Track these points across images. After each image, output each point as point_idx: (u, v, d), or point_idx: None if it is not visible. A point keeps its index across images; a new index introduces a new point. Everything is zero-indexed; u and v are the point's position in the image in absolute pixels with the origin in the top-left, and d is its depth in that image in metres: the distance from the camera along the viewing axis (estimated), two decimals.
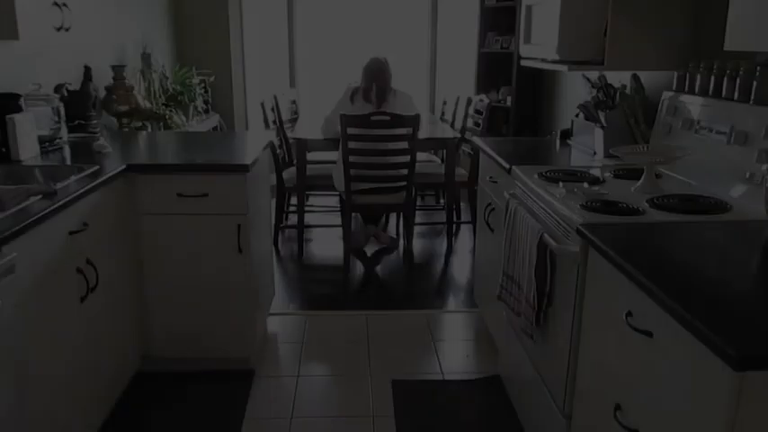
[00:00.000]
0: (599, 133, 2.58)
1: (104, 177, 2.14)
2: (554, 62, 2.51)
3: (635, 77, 2.54)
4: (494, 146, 2.83)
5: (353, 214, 3.97)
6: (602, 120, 2.54)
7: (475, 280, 3.25)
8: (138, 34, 4.02)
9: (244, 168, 2.38)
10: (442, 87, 5.90)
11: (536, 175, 2.21)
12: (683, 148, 2.02)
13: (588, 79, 2.76)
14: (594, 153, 2.65)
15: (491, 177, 2.74)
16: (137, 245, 2.44)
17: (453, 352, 2.93)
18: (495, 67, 5.24)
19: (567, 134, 2.97)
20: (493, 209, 2.72)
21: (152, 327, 2.54)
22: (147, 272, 2.48)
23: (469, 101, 4.51)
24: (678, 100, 2.28)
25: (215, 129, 4.89)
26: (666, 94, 2.36)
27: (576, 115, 2.91)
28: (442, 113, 5.02)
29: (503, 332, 2.54)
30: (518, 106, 4.98)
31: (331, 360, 2.84)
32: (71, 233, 1.91)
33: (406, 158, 3.61)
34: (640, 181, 2.02)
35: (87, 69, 3.02)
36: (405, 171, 3.65)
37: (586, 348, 1.68)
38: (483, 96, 4.42)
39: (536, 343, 2.02)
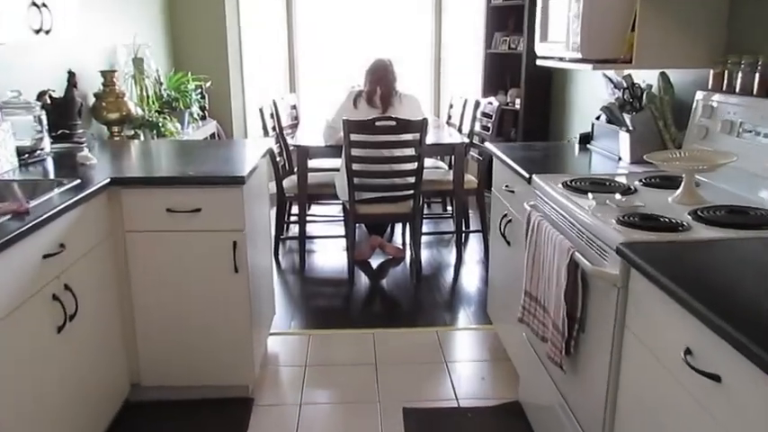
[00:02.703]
0: (624, 137, 2.37)
1: (85, 193, 1.95)
2: (575, 61, 2.31)
3: (663, 76, 2.34)
4: (508, 152, 2.63)
5: (357, 225, 3.77)
6: (628, 123, 2.34)
7: (488, 294, 3.05)
8: (130, 38, 3.82)
9: (239, 181, 2.18)
10: (446, 90, 5.70)
11: (560, 185, 2.01)
12: (727, 154, 1.81)
13: (610, 79, 2.56)
14: (620, 159, 2.45)
15: (507, 186, 2.54)
16: (122, 265, 2.24)
17: (468, 374, 2.72)
18: (503, 69, 5.05)
19: (587, 138, 2.77)
20: (510, 220, 2.51)
21: (141, 353, 2.34)
22: (135, 294, 2.28)
23: (477, 104, 4.31)
24: (715, 100, 2.08)
25: (212, 136, 4.70)
26: (700, 94, 2.15)
27: (597, 118, 2.70)
28: (449, 117, 4.81)
29: (523, 355, 2.33)
30: (528, 109, 4.78)
31: (336, 385, 2.63)
32: (46, 256, 1.71)
33: (414, 166, 3.41)
34: (679, 191, 1.81)
35: (71, 75, 2.82)
36: (412, 179, 3.45)
37: (629, 386, 1.48)
38: (492, 99, 4.22)
39: (566, 374, 1.81)
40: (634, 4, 2.08)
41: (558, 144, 2.93)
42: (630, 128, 2.33)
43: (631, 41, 2.11)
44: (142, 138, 3.59)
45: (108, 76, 3.42)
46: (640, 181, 2.04)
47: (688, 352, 1.18)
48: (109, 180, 2.12)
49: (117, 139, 3.48)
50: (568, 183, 2.01)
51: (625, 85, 2.32)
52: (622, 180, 2.06)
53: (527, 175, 2.20)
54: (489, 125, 4.09)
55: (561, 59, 2.57)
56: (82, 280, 1.92)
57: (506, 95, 5.00)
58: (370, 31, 5.62)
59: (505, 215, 2.57)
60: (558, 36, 2.46)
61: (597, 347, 1.62)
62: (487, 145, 2.79)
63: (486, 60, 5.05)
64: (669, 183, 1.98)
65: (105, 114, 3.41)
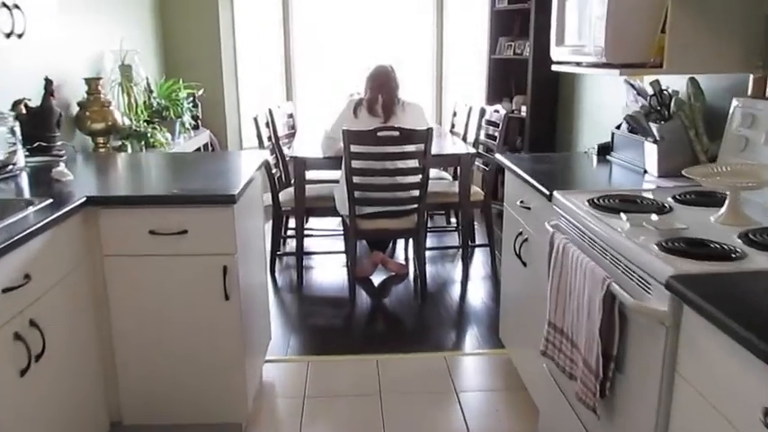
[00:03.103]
0: (651, 149, 2.17)
1: (55, 215, 1.73)
2: (597, 66, 2.11)
3: (693, 81, 2.14)
4: (522, 164, 2.43)
5: (358, 240, 3.56)
6: (655, 132, 2.14)
7: (501, 316, 2.84)
8: (117, 43, 3.62)
9: (230, 200, 1.97)
10: (448, 97, 5.51)
11: (585, 203, 1.80)
12: None
13: (632, 85, 2.36)
14: (645, 172, 2.24)
15: (522, 202, 2.33)
16: (100, 294, 2.03)
17: (480, 405, 2.51)
18: (508, 75, 4.86)
19: (606, 149, 2.57)
20: (526, 239, 2.31)
21: (122, 390, 2.12)
22: (115, 326, 2.07)
23: (483, 111, 4.11)
24: (756, 108, 1.88)
25: (205, 146, 4.49)
26: (738, 101, 1.96)
27: (618, 127, 2.51)
28: (452, 125, 4.62)
29: (544, 388, 2.12)
30: (534, 117, 4.59)
31: (338, 419, 2.42)
32: (6, 290, 1.50)
33: (418, 178, 3.21)
34: (723, 210, 1.61)
35: (48, 82, 2.62)
36: (416, 192, 3.25)
37: None
38: (498, 107, 4.02)
39: (600, 419, 1.60)
40: (664, 2, 1.88)
41: (573, 155, 2.74)
42: (658, 138, 2.13)
43: (661, 44, 1.91)
44: (129, 149, 3.39)
45: (92, 83, 3.22)
46: (673, 198, 1.84)
47: None
48: (84, 199, 1.91)
49: (102, 150, 3.28)
50: (595, 201, 1.80)
51: (651, 91, 2.12)
52: (653, 196, 1.86)
53: (547, 192, 1.99)
54: (495, 134, 3.89)
55: (579, 65, 2.37)
56: (52, 313, 1.71)
57: (511, 102, 4.81)
58: (370, 35, 5.43)
59: (520, 233, 2.37)
60: (576, 39, 2.26)
61: (639, 392, 1.41)
62: (498, 157, 2.59)
63: (490, 66, 4.87)
64: (706, 200, 1.78)
65: (89, 124, 3.21)
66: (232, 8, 4.89)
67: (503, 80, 4.88)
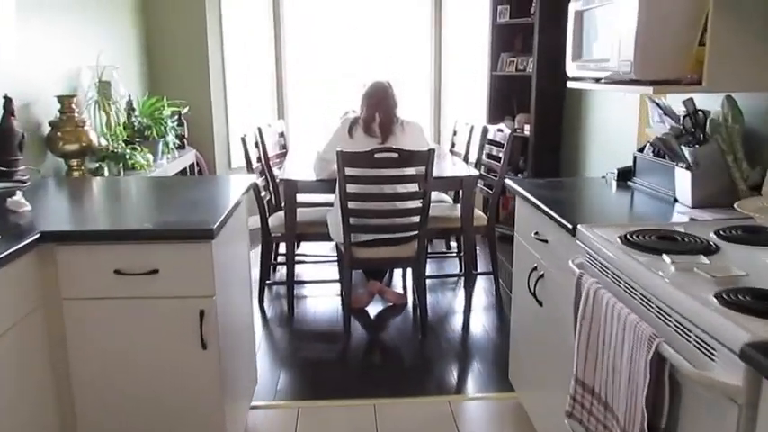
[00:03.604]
0: (683, 175, 1.94)
1: (2, 254, 1.48)
2: (622, 83, 1.88)
3: (729, 100, 1.91)
4: (534, 190, 2.19)
5: (354, 270, 3.30)
6: (688, 157, 1.91)
7: (510, 357, 2.58)
8: (94, 59, 3.38)
9: (207, 235, 1.72)
10: (448, 115, 5.29)
11: (617, 239, 1.56)
12: None
13: (657, 104, 2.13)
14: (675, 201, 2.01)
15: (537, 234, 2.09)
16: (58, 342, 1.76)
17: None
18: (510, 92, 4.65)
19: (627, 174, 2.34)
20: (542, 275, 2.06)
21: None
22: (75, 378, 1.80)
23: (485, 130, 3.88)
24: None
25: (191, 167, 4.25)
26: None
27: (641, 150, 2.28)
28: (452, 145, 4.39)
29: None
30: (538, 136, 4.38)
31: None
32: None
33: (418, 203, 2.97)
34: None
35: (7, 101, 2.36)
36: (416, 218, 3.00)
37: None
38: (502, 125, 3.80)
39: None
40: (703, 11, 1.66)
41: (589, 180, 2.50)
42: (692, 163, 1.90)
43: (699, 58, 1.68)
44: (107, 172, 3.14)
45: (65, 101, 2.98)
46: (717, 234, 1.60)
47: None
48: (38, 235, 1.65)
49: (76, 174, 3.02)
50: (628, 237, 1.56)
51: (685, 111, 1.89)
52: (694, 232, 1.62)
53: (569, 225, 1.75)
54: (499, 154, 3.67)
55: (597, 81, 2.15)
56: (1, 363, 1.45)
57: (514, 121, 4.59)
58: (365, 50, 5.21)
59: (535, 268, 2.12)
60: (597, 53, 2.04)
61: None
62: (509, 183, 2.36)
63: (491, 83, 4.65)
64: (756, 237, 1.55)
65: (62, 146, 2.97)
66: (220, 22, 4.67)
67: (504, 98, 4.67)
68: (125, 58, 4.06)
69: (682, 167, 1.94)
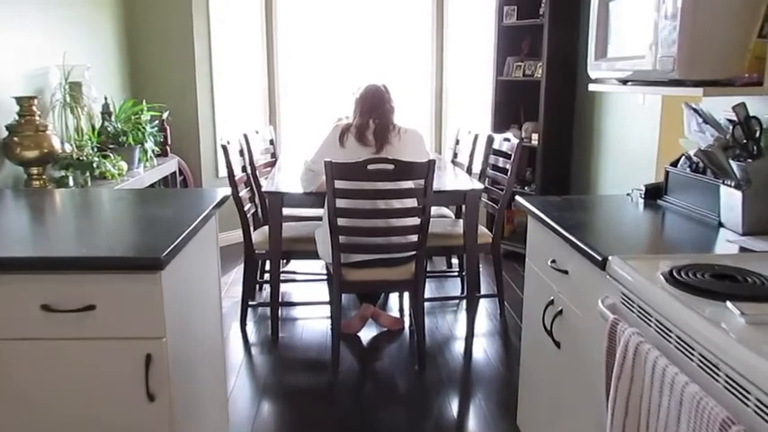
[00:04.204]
0: (732, 195, 1.62)
1: None
2: (660, 84, 1.57)
3: None
4: (549, 210, 1.88)
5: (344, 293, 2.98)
6: (738, 173, 1.59)
7: (520, 397, 2.26)
8: (69, 58, 3.08)
9: (154, 265, 1.40)
10: (449, 122, 4.98)
11: (660, 277, 1.25)
12: None
13: (695, 110, 1.82)
14: (720, 225, 1.69)
15: (554, 263, 1.77)
16: None
17: None
18: (517, 99, 4.35)
19: (656, 192, 2.02)
20: (560, 311, 1.74)
21: None
22: None
23: (491, 140, 3.58)
24: None
25: (173, 175, 3.94)
26: None
27: (674, 164, 1.96)
28: (454, 155, 4.07)
29: None
30: (547, 146, 4.07)
31: None
32: None
33: (417, 221, 2.65)
34: None
35: None
36: (414, 237, 2.68)
37: None
38: (509, 134, 3.49)
39: None
40: None
41: (611, 198, 2.19)
42: (742, 181, 1.58)
43: (758, 53, 1.37)
44: (72, 182, 2.83)
45: (25, 103, 2.69)
46: None
47: None
48: None
49: (37, 184, 2.72)
50: (675, 275, 1.24)
51: (736, 119, 1.58)
52: (756, 268, 1.30)
53: (599, 258, 1.43)
54: (505, 166, 3.36)
55: (625, 83, 1.84)
56: None
57: (521, 130, 4.29)
58: (363, 52, 4.91)
59: (551, 302, 1.80)
60: (627, 51, 1.72)
61: None
62: (521, 201, 2.04)
63: (496, 89, 4.35)
64: None
65: (20, 152, 2.68)
66: (208, 20, 4.38)
67: (511, 105, 4.36)
68: (101, 57, 3.77)
69: (729, 186, 1.63)
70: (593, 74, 1.93)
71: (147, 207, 2.02)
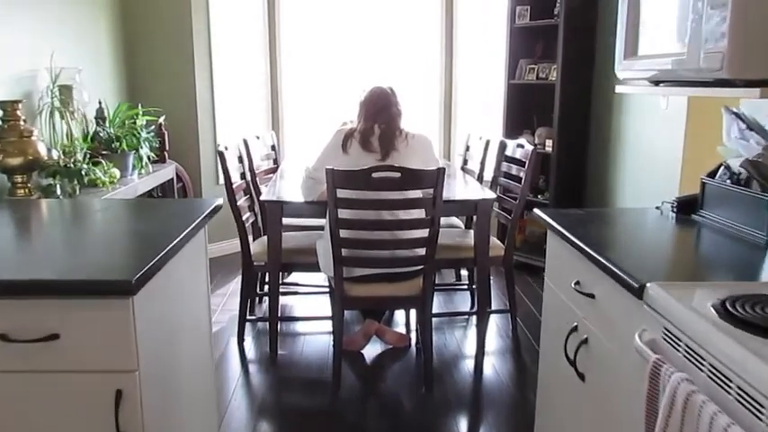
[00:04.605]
0: None
1: None
2: (704, 85, 1.38)
3: None
4: (571, 225, 1.69)
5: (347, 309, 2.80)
6: None
7: (537, 429, 2.07)
8: (60, 61, 2.93)
9: (124, 289, 1.23)
10: (459, 128, 4.80)
11: (711, 310, 1.06)
12: None
13: (738, 115, 1.63)
14: None
15: (578, 285, 1.58)
16: None
17: None
18: (530, 103, 4.16)
19: (689, 205, 1.83)
20: (585, 340, 1.55)
21: None
22: None
23: (503, 146, 3.39)
24: None
25: (170, 182, 3.78)
26: None
27: (712, 174, 1.77)
28: (464, 162, 3.89)
29: None
30: (562, 153, 3.89)
31: None
32: None
33: (425, 233, 2.47)
34: None
35: None
36: (422, 251, 2.50)
37: None
38: (522, 140, 3.31)
39: None
40: None
41: (638, 212, 2.00)
42: None
43: None
44: (59, 190, 2.67)
45: (8, 107, 2.54)
46: None
47: None
48: None
49: (21, 193, 2.56)
50: (729, 308, 1.06)
51: None
52: None
53: (635, 285, 1.24)
54: (519, 173, 3.18)
55: (657, 84, 1.66)
56: None
57: (534, 135, 4.10)
58: (370, 54, 4.73)
59: (575, 328, 1.61)
60: (663, 47, 1.54)
61: None
62: (538, 213, 1.86)
63: (508, 93, 4.17)
64: None
65: (3, 159, 2.53)
66: (208, 19, 4.22)
67: (523, 109, 4.18)
68: (95, 59, 3.61)
69: None
70: (621, 74, 1.75)
71: (131, 220, 1.85)
